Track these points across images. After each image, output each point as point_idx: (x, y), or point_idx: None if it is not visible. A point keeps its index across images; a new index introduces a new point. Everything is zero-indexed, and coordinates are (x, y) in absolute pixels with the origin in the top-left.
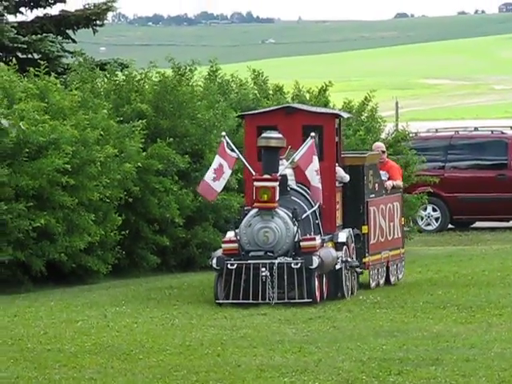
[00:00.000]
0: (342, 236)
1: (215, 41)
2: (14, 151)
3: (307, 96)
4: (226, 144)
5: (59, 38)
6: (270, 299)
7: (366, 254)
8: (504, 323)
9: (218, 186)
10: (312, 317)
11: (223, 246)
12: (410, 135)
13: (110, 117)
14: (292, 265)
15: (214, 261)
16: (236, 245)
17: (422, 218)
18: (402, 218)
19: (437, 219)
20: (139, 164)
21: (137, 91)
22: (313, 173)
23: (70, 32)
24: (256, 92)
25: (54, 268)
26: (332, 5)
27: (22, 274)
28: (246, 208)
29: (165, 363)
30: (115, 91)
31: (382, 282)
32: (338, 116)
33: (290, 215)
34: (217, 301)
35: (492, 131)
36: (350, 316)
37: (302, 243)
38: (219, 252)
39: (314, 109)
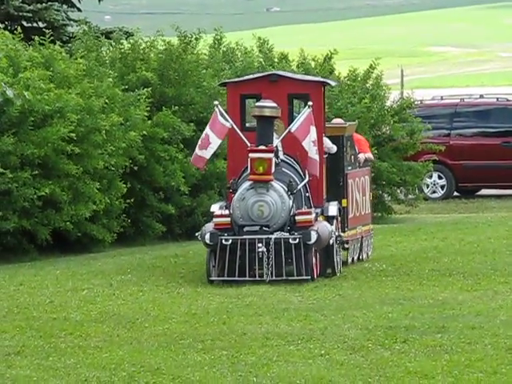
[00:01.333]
0: (333, 209)
1: (220, 9)
2: (19, 120)
3: (312, 64)
4: (218, 113)
5: (64, 6)
6: (266, 276)
7: (346, 229)
8: (510, 290)
9: (206, 153)
10: (317, 285)
11: (215, 220)
12: (415, 103)
13: (115, 85)
14: (290, 240)
15: (207, 236)
16: (228, 219)
17: (428, 186)
18: (371, 193)
19: (442, 187)
20: (144, 132)
21: (142, 59)
22: (310, 144)
23: (74, 0)
24: (261, 60)
25: (60, 236)
26: None
27: (28, 242)
28: (233, 180)
29: (170, 331)
30: (120, 59)
31: (355, 257)
32: (325, 84)
33: (285, 188)
34: (210, 278)
35: (497, 98)
36: (355, 284)
37: (297, 217)
38: (210, 226)
39: (299, 76)
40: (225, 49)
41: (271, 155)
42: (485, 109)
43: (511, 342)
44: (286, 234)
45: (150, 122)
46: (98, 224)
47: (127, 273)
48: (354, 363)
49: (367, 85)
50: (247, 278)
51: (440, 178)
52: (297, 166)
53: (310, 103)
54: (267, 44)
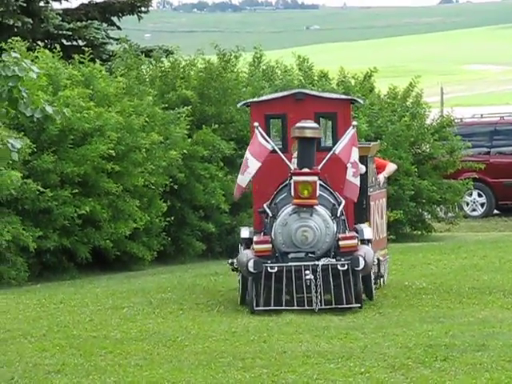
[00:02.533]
0: (368, 232)
1: (260, 27)
2: (59, 138)
3: (352, 82)
4: (259, 134)
5: (104, 24)
6: (315, 304)
7: None
8: None
9: (243, 181)
10: None
11: (255, 247)
12: (455, 121)
13: (155, 103)
14: (338, 266)
15: (251, 264)
16: (270, 245)
17: (468, 204)
18: (386, 216)
19: (482, 205)
20: (184, 150)
21: (182, 78)
22: (349, 166)
23: (114, 19)
24: (301, 78)
25: (100, 254)
26: None
27: (68, 260)
28: (271, 205)
29: (210, 350)
30: (160, 78)
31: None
32: (353, 101)
33: (329, 212)
34: (255, 308)
35: None
36: (395, 302)
37: (341, 242)
38: (248, 254)
39: (326, 94)
40: (264, 67)
41: (316, 178)
42: None
43: None
44: (333, 261)
45: (190, 140)
46: (138, 242)
47: (167, 291)
48: (394, 381)
49: (407, 103)
50: (295, 307)
51: (480, 195)
52: (330, 189)
53: (354, 123)
54: (307, 62)
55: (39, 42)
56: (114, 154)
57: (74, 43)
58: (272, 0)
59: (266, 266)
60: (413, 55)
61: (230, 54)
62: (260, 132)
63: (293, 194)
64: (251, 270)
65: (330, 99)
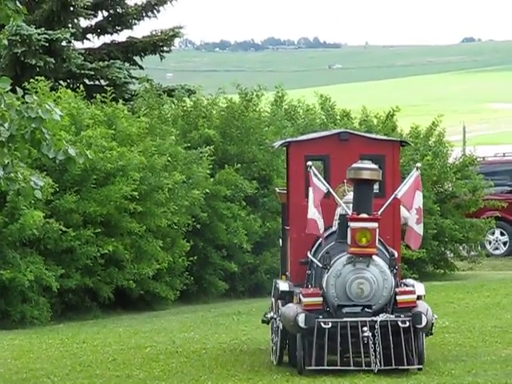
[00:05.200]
0: (420, 288)
1: (282, 66)
2: (81, 178)
3: (375, 121)
4: (313, 175)
5: (126, 64)
6: (373, 365)
7: None
8: None
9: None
10: None
11: (305, 300)
12: (478, 160)
13: (177, 143)
14: (399, 323)
15: (301, 318)
16: (320, 299)
17: (490, 243)
18: None
19: (505, 243)
20: (207, 190)
21: (204, 117)
22: (413, 212)
23: (136, 58)
24: (323, 117)
25: (122, 294)
26: (399, 30)
27: (91, 300)
28: (325, 254)
29: None
30: (183, 117)
31: None
32: (403, 144)
33: (387, 263)
34: (307, 368)
35: None
36: None
37: (398, 297)
38: (296, 308)
39: (373, 135)
40: (287, 106)
41: (376, 225)
42: None
43: None
44: (393, 317)
45: (212, 179)
46: (161, 282)
47: (190, 330)
48: None
49: (429, 142)
50: (352, 368)
51: (502, 234)
52: (381, 238)
53: (418, 165)
54: (329, 101)
55: (61, 82)
56: (136, 195)
57: (97, 83)
58: (294, 39)
59: (319, 322)
60: (435, 94)
61: (251, 93)
62: (314, 173)
63: (349, 241)
64: (302, 325)
65: (378, 140)
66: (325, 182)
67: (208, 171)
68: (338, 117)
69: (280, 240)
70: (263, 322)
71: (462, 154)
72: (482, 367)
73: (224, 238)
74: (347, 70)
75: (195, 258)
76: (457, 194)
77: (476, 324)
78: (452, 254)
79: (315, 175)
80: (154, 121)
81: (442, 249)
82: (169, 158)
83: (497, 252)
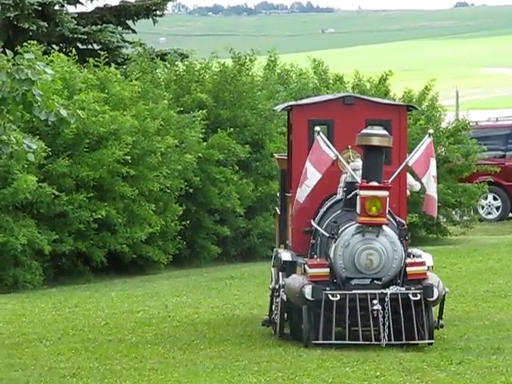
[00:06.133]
0: (429, 259)
1: (275, 30)
2: (73, 142)
3: (367, 85)
4: (321, 141)
5: (119, 28)
6: (383, 339)
7: None
8: None
9: (300, 194)
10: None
11: (311, 271)
12: (471, 124)
13: (170, 107)
14: (410, 296)
15: (308, 290)
16: (327, 270)
17: (483, 207)
18: None
19: (498, 208)
20: (200, 154)
21: (197, 81)
22: (430, 179)
23: (129, 22)
24: (316, 81)
25: (115, 258)
26: None
27: (83, 264)
28: (332, 223)
29: (226, 353)
30: (175, 81)
31: None
32: (410, 108)
33: (398, 233)
34: (314, 342)
35: None
36: None
37: (408, 269)
38: (302, 279)
39: (379, 100)
40: (279, 70)
41: (386, 193)
42: None
43: None
44: (403, 289)
45: (205, 144)
46: (154, 246)
47: (182, 295)
48: None
49: (422, 106)
50: (361, 342)
51: (495, 199)
52: (389, 208)
53: (430, 131)
54: (322, 65)
55: (54, 46)
56: (129, 159)
57: (89, 47)
58: (287, 3)
59: (327, 294)
60: (428, 58)
61: (244, 57)
62: (323, 138)
63: (358, 210)
64: (308, 297)
65: (385, 105)
66: (334, 149)
67: (201, 135)
68: (331, 81)
69: (277, 208)
70: (263, 324)
71: (455, 119)
72: (474, 332)
73: (217, 202)
74: (340, 34)
75: (188, 222)
76: (450, 159)
77: (468, 289)
78: (445, 219)
79: (324, 141)
80: (147, 85)
81: None
82: (161, 122)
83: (489, 217)
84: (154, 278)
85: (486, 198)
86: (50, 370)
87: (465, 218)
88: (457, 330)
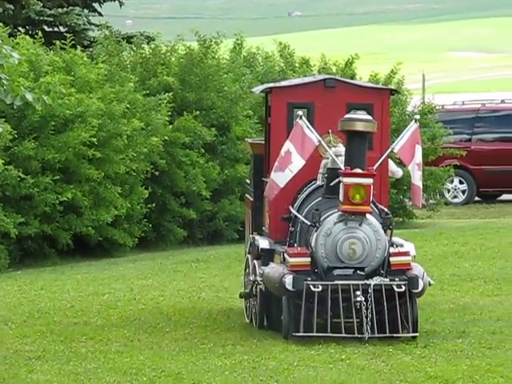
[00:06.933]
0: (412, 248)
1: (241, 13)
2: (40, 125)
3: (334, 69)
4: (305, 126)
5: (85, 11)
6: (366, 332)
7: None
8: None
9: (281, 178)
10: None
11: (291, 260)
12: (437, 108)
13: (136, 90)
14: (395, 287)
15: (289, 280)
16: (308, 259)
17: (449, 191)
18: None
19: (463, 192)
20: (165, 137)
21: (163, 64)
22: (414, 167)
23: (96, 5)
24: (282, 64)
25: (81, 241)
26: None
27: (49, 247)
28: (314, 212)
29: (191, 336)
30: (141, 64)
31: None
32: (393, 92)
33: (381, 222)
34: (294, 334)
35: None
36: None
37: (392, 259)
38: (282, 268)
39: (361, 83)
40: (246, 53)
41: (371, 181)
42: (506, 114)
43: None
44: (387, 280)
45: (171, 126)
46: (120, 229)
47: (148, 277)
48: (374, 368)
49: None
50: (343, 335)
51: (461, 182)
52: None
53: (417, 117)
54: (288, 49)
55: (20, 29)
56: (95, 141)
57: (56, 29)
58: None
59: (308, 284)
60: (394, 42)
61: (210, 40)
62: (306, 123)
63: (341, 198)
64: (289, 287)
65: (366, 88)
66: (316, 134)
67: (167, 118)
68: (297, 64)
69: (247, 194)
70: (241, 296)
71: (421, 102)
72: (439, 315)
73: (182, 185)
74: (307, 17)
75: (153, 205)
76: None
77: (434, 272)
78: (410, 202)
79: (307, 126)
80: (113, 68)
81: (401, 197)
82: (127, 105)
83: (455, 200)
84: (119, 261)
85: (451, 181)
86: (16, 353)
87: (431, 201)
88: (422, 313)
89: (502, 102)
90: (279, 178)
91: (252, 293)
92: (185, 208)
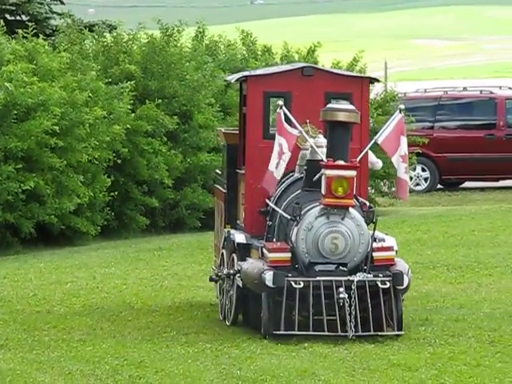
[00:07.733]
0: (394, 243)
1: (203, 2)
2: (1, 113)
3: (296, 57)
4: (283, 117)
5: None
6: (349, 330)
7: None
8: (493, 283)
9: (277, 170)
10: None
11: (271, 255)
12: (399, 95)
13: (98, 78)
14: (379, 284)
15: (269, 276)
16: (289, 254)
17: (411, 178)
18: None
19: (426, 179)
20: (128, 125)
21: (125, 52)
22: (399, 159)
23: None
24: (244, 52)
25: (43, 230)
26: None
27: (11, 235)
28: (295, 206)
29: (154, 325)
30: (103, 53)
31: None
32: (373, 81)
33: (364, 216)
34: (274, 332)
35: (481, 91)
36: None
37: (375, 254)
38: (261, 264)
39: (340, 71)
40: (208, 42)
41: (354, 173)
42: (468, 101)
43: (494, 334)
44: (371, 276)
45: (133, 115)
46: (82, 217)
47: (111, 266)
48: (337, 356)
49: None
50: (326, 333)
51: (423, 170)
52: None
53: (401, 106)
54: (250, 37)
55: None
56: (57, 130)
57: (18, 18)
58: None
59: (289, 281)
60: (357, 30)
61: (172, 28)
62: (285, 112)
63: (323, 191)
64: (269, 284)
65: (345, 76)
66: (297, 125)
67: (129, 106)
68: (260, 52)
69: (218, 186)
70: (211, 280)
71: (384, 90)
72: (402, 303)
73: (145, 174)
74: (269, 5)
75: (116, 193)
76: (378, 130)
77: None
78: (373, 190)
79: (287, 117)
80: (75, 56)
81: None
82: (90, 94)
83: (418, 188)
84: (82, 249)
85: (414, 169)
86: None
87: (393, 189)
88: None
89: (464, 89)
90: (279, 170)
91: (222, 278)
92: (147, 196)
